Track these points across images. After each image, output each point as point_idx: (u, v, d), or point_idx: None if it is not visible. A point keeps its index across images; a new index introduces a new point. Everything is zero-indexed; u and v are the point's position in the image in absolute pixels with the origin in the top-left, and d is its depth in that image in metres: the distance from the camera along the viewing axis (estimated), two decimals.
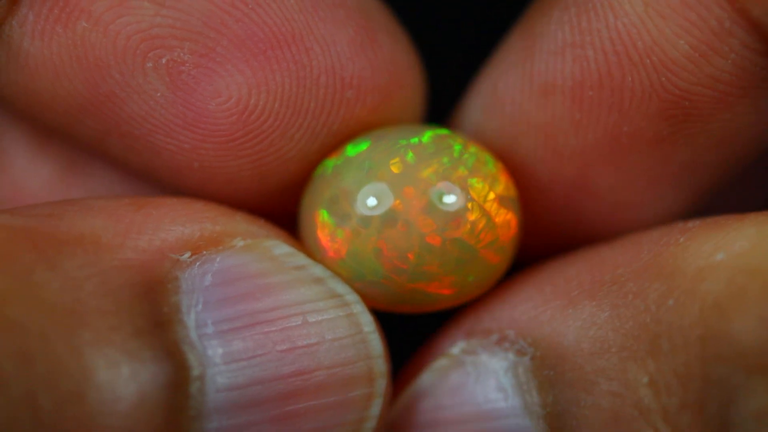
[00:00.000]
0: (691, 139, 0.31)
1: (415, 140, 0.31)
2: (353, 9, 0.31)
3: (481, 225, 0.30)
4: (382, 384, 0.30)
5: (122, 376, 0.27)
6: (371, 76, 0.31)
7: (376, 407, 0.30)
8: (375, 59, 0.31)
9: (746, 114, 0.31)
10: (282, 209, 0.32)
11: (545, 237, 0.34)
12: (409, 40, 0.33)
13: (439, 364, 0.31)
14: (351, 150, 0.31)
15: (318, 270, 0.30)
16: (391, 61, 0.31)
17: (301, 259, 0.30)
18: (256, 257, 0.30)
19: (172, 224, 0.30)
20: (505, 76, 0.32)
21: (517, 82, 0.31)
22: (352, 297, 0.30)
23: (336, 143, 0.31)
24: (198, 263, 0.29)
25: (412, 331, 0.33)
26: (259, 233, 0.30)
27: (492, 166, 0.31)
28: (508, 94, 0.32)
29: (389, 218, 0.30)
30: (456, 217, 0.30)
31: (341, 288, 0.30)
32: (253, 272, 0.29)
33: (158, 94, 0.30)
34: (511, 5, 0.33)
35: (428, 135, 0.31)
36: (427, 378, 0.31)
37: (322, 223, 0.31)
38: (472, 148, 0.31)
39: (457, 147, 0.31)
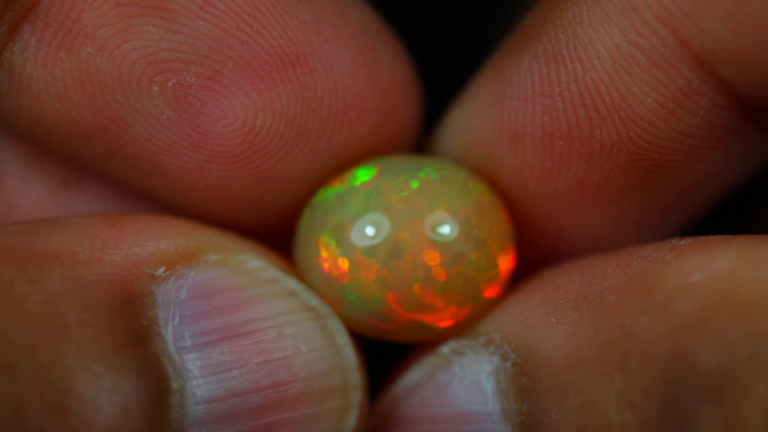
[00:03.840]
0: (662, 187, 0.31)
1: (422, 173, 0.31)
2: (356, 28, 0.31)
3: (484, 260, 0.30)
4: (357, 396, 0.30)
5: (105, 388, 0.27)
6: (373, 96, 0.31)
7: (351, 419, 0.30)
8: (377, 79, 0.31)
9: (717, 161, 0.31)
10: (281, 230, 0.32)
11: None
12: (409, 57, 0.33)
13: (429, 360, 0.31)
14: (356, 178, 0.31)
15: (291, 283, 0.30)
16: (392, 81, 0.32)
17: (274, 272, 0.30)
18: (229, 271, 0.30)
19: (147, 240, 0.30)
20: (477, 116, 0.32)
21: (488, 125, 0.31)
22: (325, 309, 0.30)
23: (336, 165, 0.31)
24: (173, 278, 0.29)
25: (388, 347, 0.33)
26: (231, 247, 0.31)
27: (494, 201, 0.31)
28: (479, 136, 0.32)
29: (395, 249, 0.30)
30: (461, 251, 0.30)
31: (314, 300, 0.30)
32: (228, 286, 0.30)
33: (164, 117, 0.30)
34: (505, 20, 0.33)
35: (434, 168, 0.31)
36: (417, 374, 0.31)
37: (324, 250, 0.31)
38: (476, 183, 0.31)
39: (462, 181, 0.31)
